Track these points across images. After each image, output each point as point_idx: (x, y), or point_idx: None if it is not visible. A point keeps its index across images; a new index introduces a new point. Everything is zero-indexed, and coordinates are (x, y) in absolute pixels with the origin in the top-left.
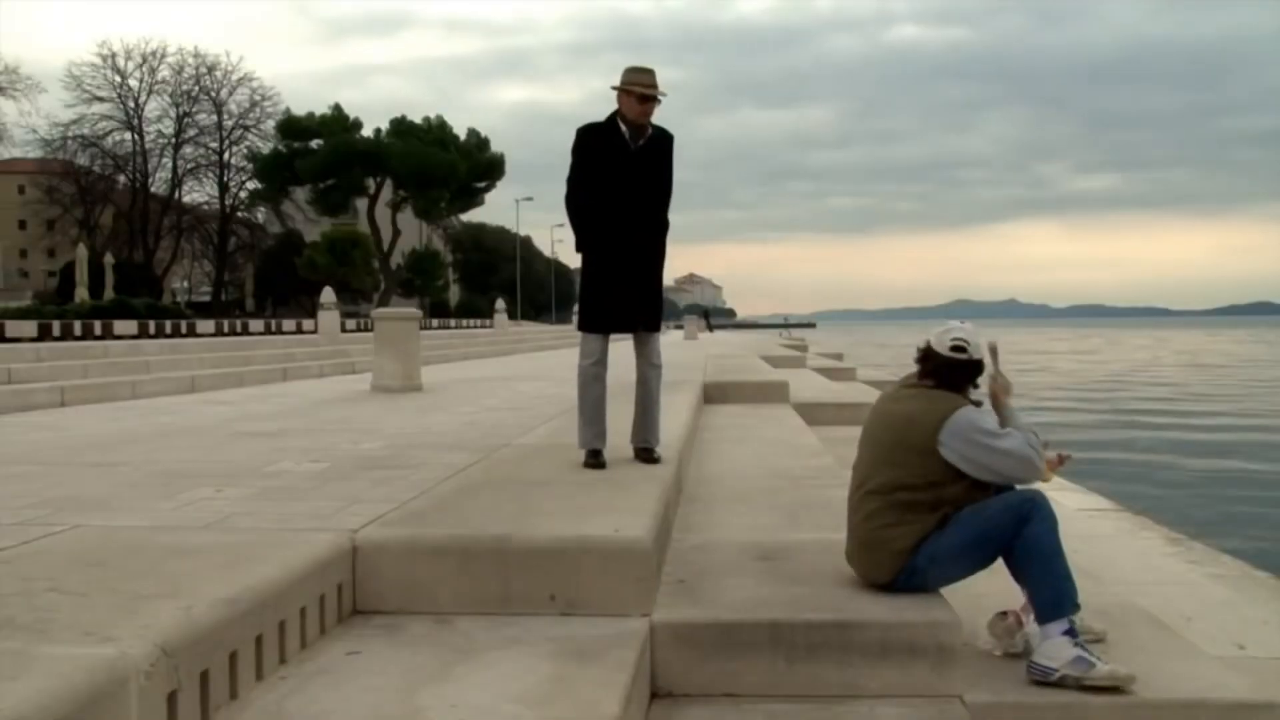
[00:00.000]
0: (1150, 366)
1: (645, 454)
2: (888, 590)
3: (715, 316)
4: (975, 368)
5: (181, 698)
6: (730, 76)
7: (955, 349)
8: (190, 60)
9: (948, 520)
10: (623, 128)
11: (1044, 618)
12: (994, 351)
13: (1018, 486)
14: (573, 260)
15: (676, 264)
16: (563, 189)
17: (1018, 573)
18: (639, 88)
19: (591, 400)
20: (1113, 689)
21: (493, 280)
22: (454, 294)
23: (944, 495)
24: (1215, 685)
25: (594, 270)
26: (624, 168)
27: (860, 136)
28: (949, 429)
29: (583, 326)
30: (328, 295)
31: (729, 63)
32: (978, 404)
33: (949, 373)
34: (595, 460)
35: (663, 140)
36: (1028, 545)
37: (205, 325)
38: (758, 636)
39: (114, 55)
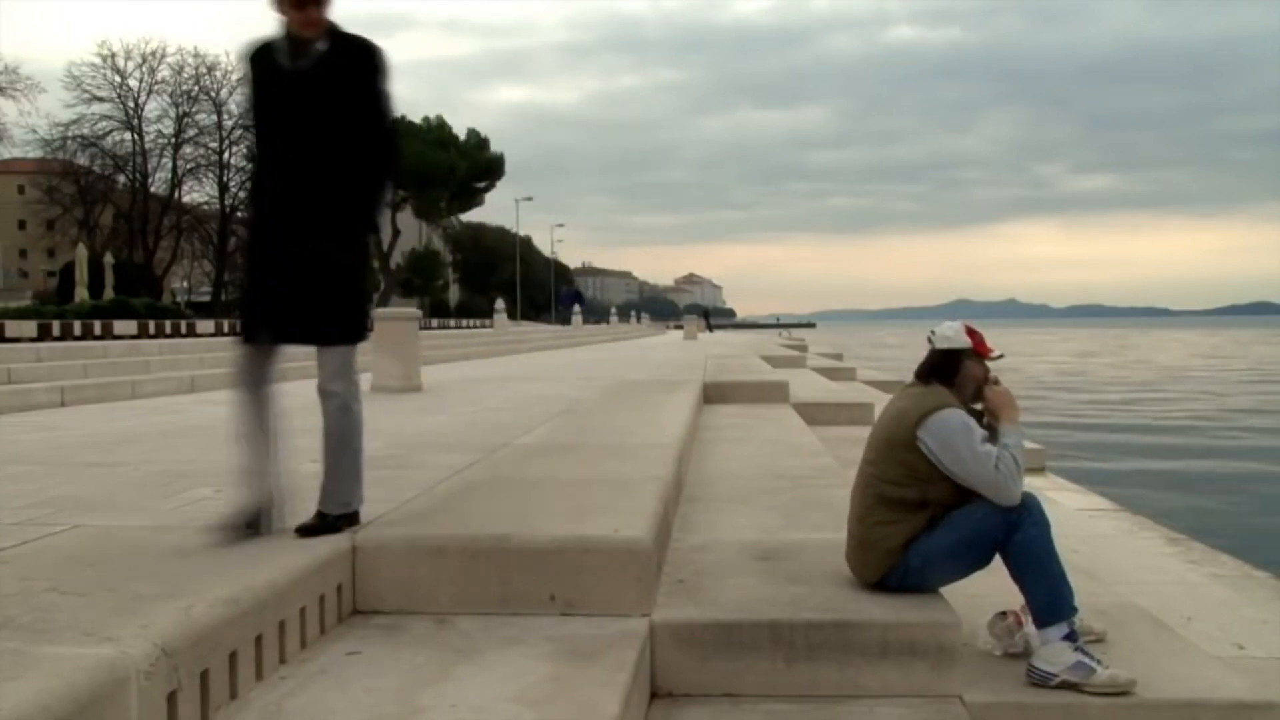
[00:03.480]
0: (1166, 367)
1: (315, 520)
2: (879, 589)
3: (715, 316)
4: (947, 357)
5: (181, 698)
6: (729, 76)
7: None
8: (190, 60)
9: (937, 521)
10: (283, 43)
11: (1042, 622)
12: (994, 381)
13: None
14: (572, 259)
15: (677, 264)
16: (560, 189)
17: (1013, 577)
18: None
19: (248, 441)
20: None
21: (492, 280)
22: (454, 294)
23: (929, 494)
24: (1215, 685)
25: (247, 249)
26: (278, 99)
27: (859, 137)
28: (927, 426)
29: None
30: None
31: (727, 63)
32: (979, 414)
33: (932, 367)
34: (245, 526)
35: (347, 56)
36: (1020, 550)
37: (205, 325)
38: (758, 636)
39: (114, 55)
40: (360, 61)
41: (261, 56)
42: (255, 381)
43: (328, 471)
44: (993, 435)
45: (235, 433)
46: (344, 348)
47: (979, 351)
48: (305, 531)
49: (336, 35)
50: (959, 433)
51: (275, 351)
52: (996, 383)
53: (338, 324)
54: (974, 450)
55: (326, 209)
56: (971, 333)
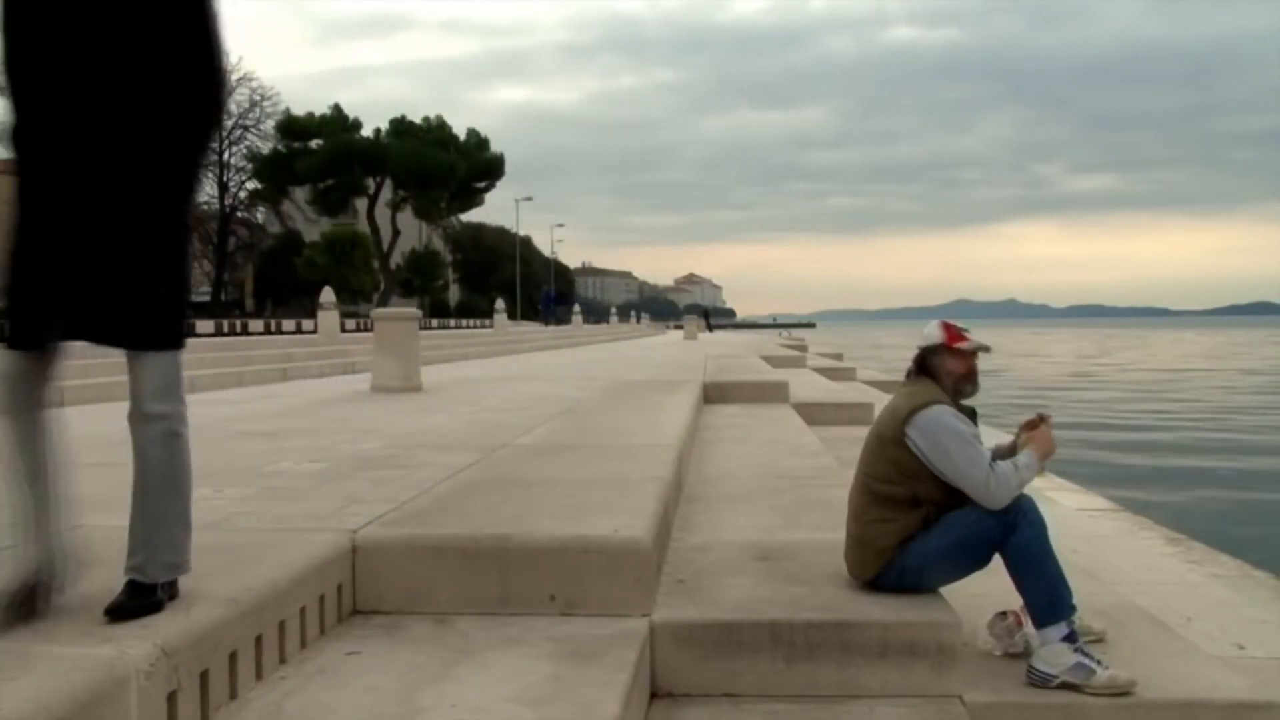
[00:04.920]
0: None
1: (126, 594)
2: (874, 587)
3: (715, 316)
4: (926, 354)
5: (181, 698)
6: (728, 77)
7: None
8: None
9: (932, 521)
10: None
11: (1040, 622)
12: (1045, 419)
13: None
14: (572, 259)
15: (677, 264)
16: (560, 189)
17: (1012, 577)
18: None
19: (22, 486)
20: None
21: (492, 280)
22: (454, 294)
23: (918, 491)
24: (1215, 685)
25: (14, 208)
26: (65, 13)
27: (859, 137)
28: (915, 422)
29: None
30: (327, 295)
31: (727, 63)
32: (971, 412)
33: (918, 365)
34: (17, 603)
35: None
36: (1017, 551)
37: (205, 325)
38: (757, 636)
39: None
40: None
41: None
42: (30, 403)
43: (146, 522)
44: (1008, 456)
45: (9, 475)
46: (172, 354)
47: (948, 344)
48: (116, 613)
49: None
50: (947, 428)
51: (57, 357)
52: (1047, 422)
53: (165, 316)
54: (964, 447)
55: (117, 146)
56: (947, 327)
